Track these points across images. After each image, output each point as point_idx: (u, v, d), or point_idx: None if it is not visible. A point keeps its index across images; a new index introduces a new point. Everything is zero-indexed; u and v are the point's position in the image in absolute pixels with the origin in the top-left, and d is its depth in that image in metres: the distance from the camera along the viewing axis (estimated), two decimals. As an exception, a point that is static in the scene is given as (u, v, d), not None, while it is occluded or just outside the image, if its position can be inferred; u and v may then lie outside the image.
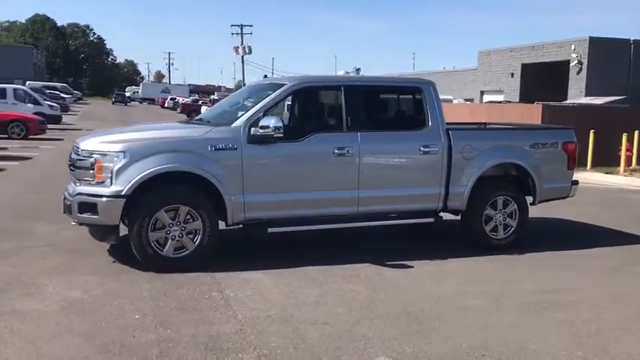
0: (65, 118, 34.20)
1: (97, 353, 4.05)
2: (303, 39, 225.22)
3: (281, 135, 6.11)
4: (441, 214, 7.24)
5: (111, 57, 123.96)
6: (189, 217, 6.01)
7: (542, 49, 36.72)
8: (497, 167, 7.39)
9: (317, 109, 7.39)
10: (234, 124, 6.25)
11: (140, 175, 5.77)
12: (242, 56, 59.30)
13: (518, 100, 35.14)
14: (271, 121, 6.09)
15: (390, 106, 7.73)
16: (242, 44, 59.10)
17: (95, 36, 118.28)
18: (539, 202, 7.74)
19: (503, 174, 7.58)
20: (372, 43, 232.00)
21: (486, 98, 39.87)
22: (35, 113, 26.09)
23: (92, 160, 5.89)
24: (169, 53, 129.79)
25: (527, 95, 34.30)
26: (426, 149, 6.88)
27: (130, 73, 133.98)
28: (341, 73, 45.07)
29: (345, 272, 6.19)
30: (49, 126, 25.09)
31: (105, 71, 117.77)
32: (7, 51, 73.39)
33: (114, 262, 6.28)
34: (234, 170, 6.10)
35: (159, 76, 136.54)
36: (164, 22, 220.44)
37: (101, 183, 5.84)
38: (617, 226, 9.13)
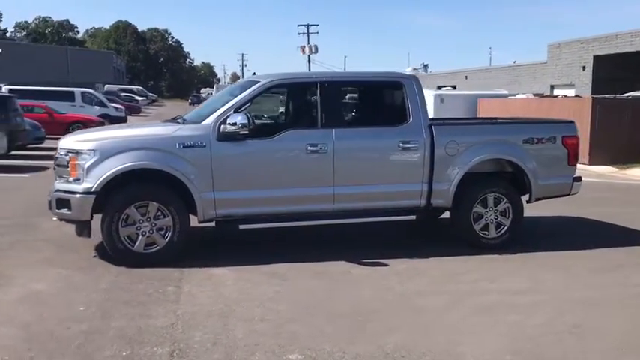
0: (134, 120, 35.77)
1: (23, 341, 4.23)
2: (375, 37, 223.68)
3: (246, 132, 6.17)
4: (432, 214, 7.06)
5: (188, 60, 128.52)
6: (159, 213, 6.17)
7: (615, 40, 34.79)
8: (487, 163, 7.12)
9: (291, 106, 7.39)
10: (204, 122, 6.35)
11: (109, 173, 5.98)
12: (308, 55, 59.80)
13: (590, 93, 33.50)
14: (237, 119, 6.15)
15: (369, 102, 7.59)
16: (308, 43, 59.62)
17: (173, 40, 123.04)
18: (537, 200, 7.39)
19: (496, 170, 7.29)
20: (445, 39, 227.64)
21: (556, 92, 38.19)
22: (101, 115, 27.53)
23: (67, 158, 6.16)
24: (242, 55, 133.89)
25: (599, 89, 32.38)
26: (406, 145, 6.72)
27: (206, 75, 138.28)
28: (409, 70, 44.77)
29: (314, 269, 6.16)
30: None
31: (183, 74, 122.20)
32: (90, 56, 77.64)
33: (94, 256, 6.52)
34: (204, 168, 6.20)
35: (234, 77, 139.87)
36: (239, 25, 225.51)
37: (77, 180, 6.09)
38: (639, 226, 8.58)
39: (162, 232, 6.20)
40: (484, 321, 4.83)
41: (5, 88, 26.00)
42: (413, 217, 6.96)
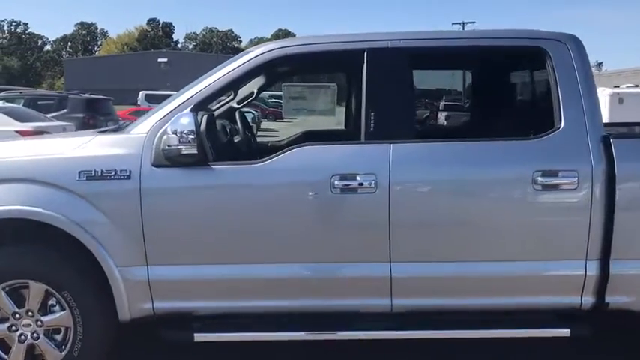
0: (273, 125, 34.26)
1: None
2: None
3: (193, 152, 3.04)
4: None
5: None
6: (51, 302, 3.26)
7: None
8: None
9: (306, 99, 4.08)
10: (133, 131, 3.32)
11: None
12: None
13: None
14: (183, 122, 3.03)
15: (469, 91, 4.05)
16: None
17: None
18: None
19: None
20: (615, 34, 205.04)
21: None
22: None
23: None
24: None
25: None
26: (549, 179, 3.15)
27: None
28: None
29: None
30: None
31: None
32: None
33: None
34: (127, 218, 3.17)
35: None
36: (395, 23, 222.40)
37: None
38: None
39: (59, 337, 3.29)
40: None
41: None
42: (566, 332, 3.31)
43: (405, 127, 3.27)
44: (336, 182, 3.14)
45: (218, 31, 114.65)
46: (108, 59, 78.59)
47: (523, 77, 4.11)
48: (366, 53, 3.33)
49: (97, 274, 3.22)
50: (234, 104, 4.79)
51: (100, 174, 3.16)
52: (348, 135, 4.83)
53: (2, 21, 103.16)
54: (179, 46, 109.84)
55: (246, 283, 3.26)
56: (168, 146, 3.09)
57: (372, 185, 3.14)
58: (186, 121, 3.03)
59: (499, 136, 3.30)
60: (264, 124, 29.65)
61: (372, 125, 3.24)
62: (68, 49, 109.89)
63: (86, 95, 15.95)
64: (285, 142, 5.02)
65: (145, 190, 3.16)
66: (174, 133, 3.04)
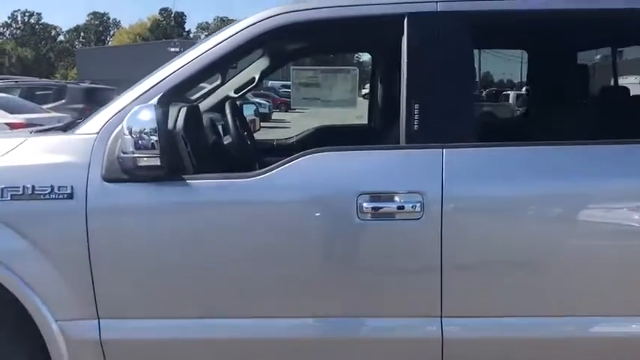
0: (285, 116, 33.33)
1: None
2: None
3: (154, 163, 2.09)
4: None
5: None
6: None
7: None
8: None
9: (319, 86, 3.16)
10: (80, 129, 2.37)
11: None
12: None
13: None
14: (137, 121, 2.09)
15: (564, 72, 3.06)
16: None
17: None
18: None
19: None
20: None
21: None
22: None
23: None
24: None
25: None
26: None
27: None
28: None
29: None
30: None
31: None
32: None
33: None
34: (68, 253, 2.24)
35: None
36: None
37: None
38: None
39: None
40: None
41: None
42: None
43: (464, 124, 2.29)
44: (364, 205, 2.17)
45: (230, 20, 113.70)
46: (120, 49, 77.93)
47: None
48: (406, 20, 2.34)
49: (34, 333, 2.29)
50: (231, 93, 3.85)
51: (29, 191, 2.22)
52: (373, 133, 3.86)
53: (16, 11, 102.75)
54: (191, 35, 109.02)
55: (239, 344, 2.32)
56: (124, 153, 2.14)
57: (417, 209, 2.17)
58: (146, 117, 2.08)
59: (615, 136, 2.30)
60: (275, 115, 28.85)
61: (415, 122, 2.26)
62: (81, 39, 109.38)
63: (86, 84, 15.04)
64: (295, 140, 4.06)
65: (93, 213, 2.22)
66: (130, 133, 2.09)
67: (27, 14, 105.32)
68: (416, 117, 2.26)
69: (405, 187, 2.19)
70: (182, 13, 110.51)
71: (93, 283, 2.24)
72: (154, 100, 2.23)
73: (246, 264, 2.25)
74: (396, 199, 2.19)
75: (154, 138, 2.05)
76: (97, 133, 2.28)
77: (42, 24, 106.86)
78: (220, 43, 2.36)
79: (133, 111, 2.11)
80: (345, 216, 2.18)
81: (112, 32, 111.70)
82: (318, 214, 2.22)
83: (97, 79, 26.44)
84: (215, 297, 2.28)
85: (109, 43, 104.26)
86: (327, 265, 2.26)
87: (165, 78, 2.33)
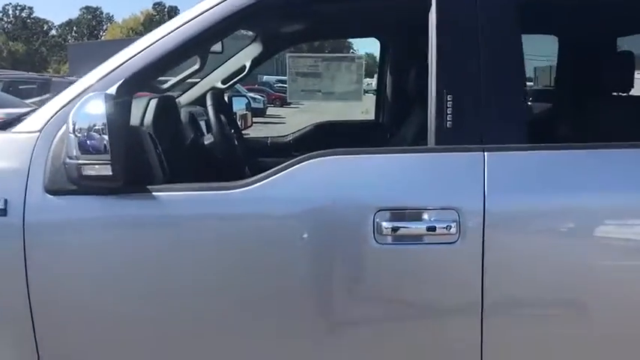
0: (280, 111, 32.94)
1: None
2: None
3: (103, 172, 1.58)
4: None
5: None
6: None
7: None
8: None
9: (320, 77, 2.73)
10: (18, 127, 1.85)
11: None
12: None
13: None
14: (82, 115, 1.57)
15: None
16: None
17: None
18: None
19: None
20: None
21: None
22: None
23: None
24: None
25: None
26: None
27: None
28: None
29: None
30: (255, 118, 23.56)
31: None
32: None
33: None
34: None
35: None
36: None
37: None
38: None
39: None
40: None
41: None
42: None
43: (511, 121, 1.78)
44: (384, 224, 1.66)
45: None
46: (112, 43, 76.97)
47: None
48: None
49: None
50: (218, 84, 3.34)
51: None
52: (382, 131, 3.35)
53: (7, 5, 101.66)
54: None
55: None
56: (69, 158, 1.63)
57: (452, 230, 1.66)
58: (95, 110, 1.57)
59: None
60: (270, 110, 28.43)
61: (448, 118, 1.76)
62: (74, 34, 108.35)
63: (72, 78, 14.49)
64: (291, 138, 3.55)
65: (32, 233, 1.70)
66: (74, 131, 1.58)
67: (18, 8, 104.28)
68: (449, 112, 1.75)
69: (437, 202, 1.69)
70: (175, 7, 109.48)
71: (34, 328, 1.74)
72: (113, 89, 1.71)
73: (231, 307, 1.74)
74: (425, 216, 1.68)
75: (105, 139, 1.54)
76: (40, 131, 1.77)
77: (34, 18, 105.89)
78: (198, 16, 1.85)
79: (80, 102, 1.60)
80: (359, 239, 1.68)
81: (104, 27, 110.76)
82: (323, 238, 1.71)
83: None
84: (194, 340, 1.78)
85: (102, 37, 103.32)
86: (333, 305, 1.76)
87: (128, 59, 1.81)
